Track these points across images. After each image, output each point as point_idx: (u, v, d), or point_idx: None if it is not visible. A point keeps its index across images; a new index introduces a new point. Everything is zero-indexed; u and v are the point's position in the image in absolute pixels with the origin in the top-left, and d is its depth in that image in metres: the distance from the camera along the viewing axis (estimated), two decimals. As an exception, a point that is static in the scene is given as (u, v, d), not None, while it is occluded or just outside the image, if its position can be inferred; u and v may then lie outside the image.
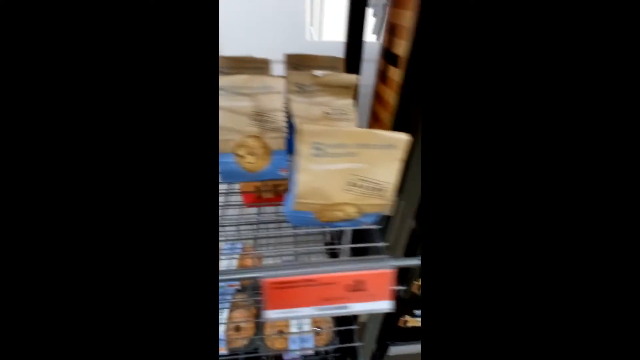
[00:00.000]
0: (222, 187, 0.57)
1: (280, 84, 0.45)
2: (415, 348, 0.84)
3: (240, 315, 0.82)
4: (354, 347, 0.78)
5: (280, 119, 0.46)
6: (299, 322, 0.82)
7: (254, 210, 0.79)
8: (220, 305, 0.83)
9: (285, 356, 0.83)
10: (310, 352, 0.81)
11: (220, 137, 0.42)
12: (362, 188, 0.36)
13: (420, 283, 0.77)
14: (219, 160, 0.44)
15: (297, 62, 0.56)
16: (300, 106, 0.49)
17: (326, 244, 1.08)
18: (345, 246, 0.85)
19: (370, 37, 0.70)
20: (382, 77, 0.65)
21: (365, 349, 0.69)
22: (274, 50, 0.57)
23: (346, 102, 0.50)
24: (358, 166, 0.33)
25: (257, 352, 0.80)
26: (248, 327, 0.81)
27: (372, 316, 0.54)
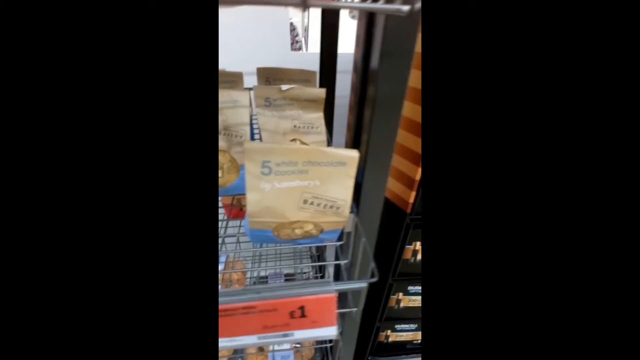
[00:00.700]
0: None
1: (246, 98, 0.44)
2: (399, 363, 0.82)
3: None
4: (335, 364, 0.76)
5: (246, 133, 0.45)
6: (280, 337, 0.80)
7: (237, 222, 0.78)
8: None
9: (266, 373, 0.81)
10: (292, 369, 0.79)
11: None
12: (317, 206, 0.35)
13: (398, 297, 0.76)
14: None
15: (269, 75, 0.56)
16: (269, 120, 0.48)
17: (311, 258, 1.07)
18: (331, 262, 0.83)
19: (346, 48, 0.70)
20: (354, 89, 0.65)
21: (345, 366, 0.67)
22: (260, 62, 0.57)
23: (315, 116, 0.50)
24: (310, 183, 0.33)
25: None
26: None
27: (343, 335, 0.53)
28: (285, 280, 1.03)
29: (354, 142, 0.46)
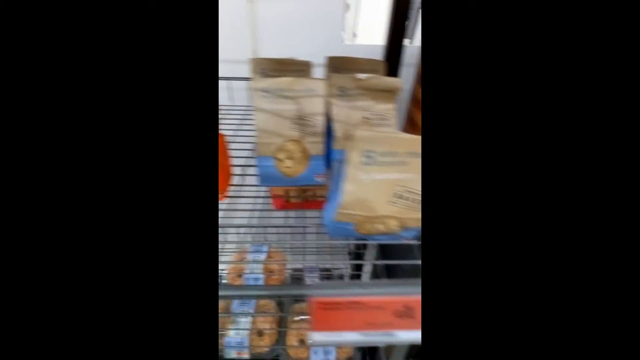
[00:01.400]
0: (250, 188, 0.56)
1: (322, 87, 0.43)
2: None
3: (264, 320, 0.81)
4: (378, 363, 0.74)
5: (320, 123, 0.44)
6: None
7: (281, 213, 0.78)
8: (244, 309, 0.82)
9: (306, 366, 0.81)
10: (333, 364, 0.79)
11: (262, 140, 0.41)
12: (407, 200, 0.33)
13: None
14: (259, 164, 0.42)
15: (338, 65, 0.54)
16: (341, 110, 0.47)
17: (350, 254, 1.06)
18: (380, 262, 0.82)
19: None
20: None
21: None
22: (309, 54, 0.56)
23: (387, 107, 0.48)
24: (406, 177, 0.31)
25: (278, 360, 0.78)
26: (271, 334, 0.80)
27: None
28: (322, 276, 1.01)
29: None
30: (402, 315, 0.28)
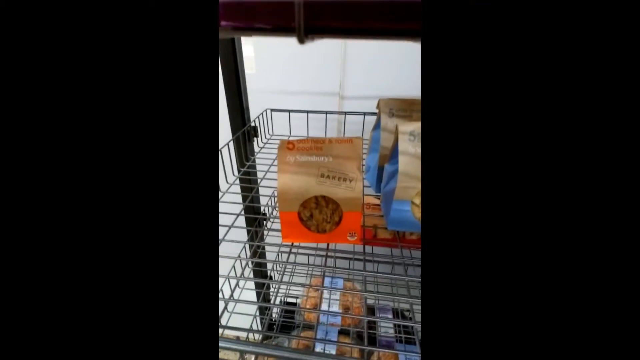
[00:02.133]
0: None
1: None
2: None
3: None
4: None
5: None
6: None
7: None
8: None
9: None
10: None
11: (402, 184, 0.39)
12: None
13: None
14: (394, 207, 0.41)
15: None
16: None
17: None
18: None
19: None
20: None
21: None
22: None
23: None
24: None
25: None
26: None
27: None
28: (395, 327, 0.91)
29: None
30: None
